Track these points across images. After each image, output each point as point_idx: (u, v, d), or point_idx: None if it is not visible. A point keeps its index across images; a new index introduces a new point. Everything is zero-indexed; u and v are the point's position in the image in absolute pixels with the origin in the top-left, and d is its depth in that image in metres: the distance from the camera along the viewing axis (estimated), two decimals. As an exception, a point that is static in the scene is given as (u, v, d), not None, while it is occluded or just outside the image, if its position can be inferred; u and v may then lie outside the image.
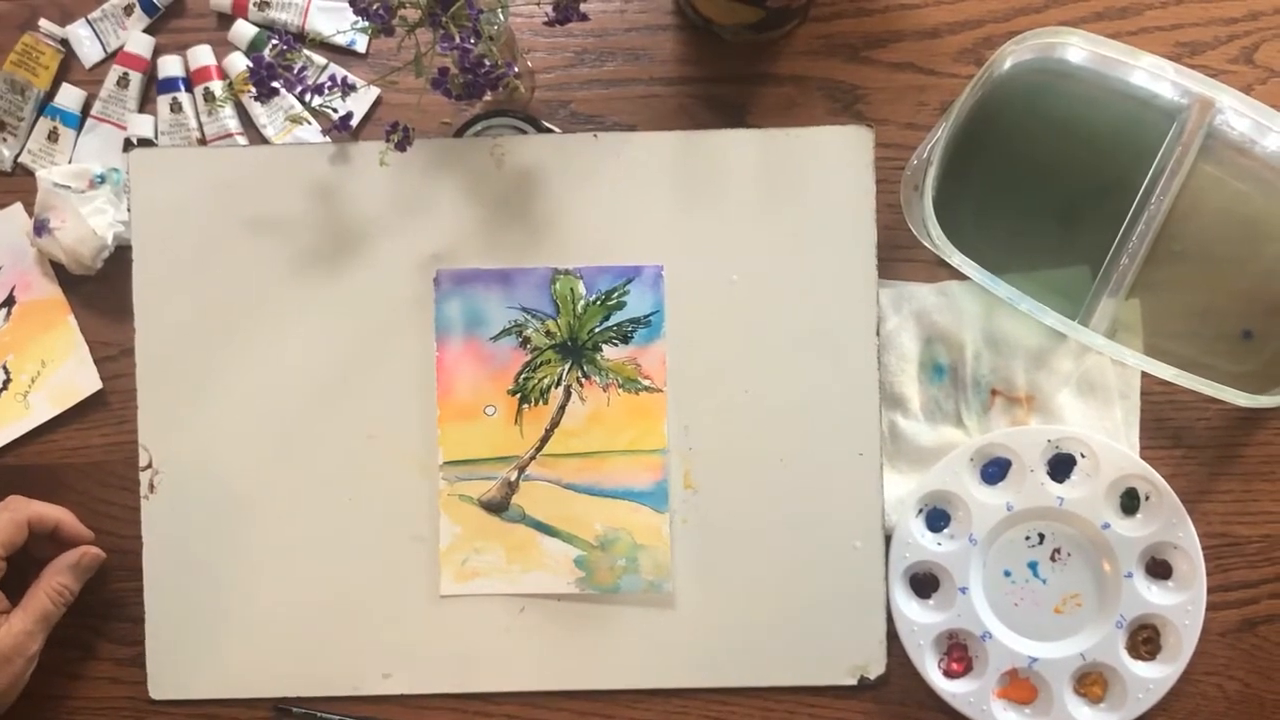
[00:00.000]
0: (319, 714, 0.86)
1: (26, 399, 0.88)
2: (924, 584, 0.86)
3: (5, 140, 0.89)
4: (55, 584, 0.83)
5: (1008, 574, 0.86)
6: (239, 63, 0.88)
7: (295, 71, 0.79)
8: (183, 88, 0.89)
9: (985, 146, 0.84)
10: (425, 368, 0.86)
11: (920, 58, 0.88)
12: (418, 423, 0.86)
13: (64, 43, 0.90)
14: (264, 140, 0.89)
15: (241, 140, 0.89)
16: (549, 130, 0.87)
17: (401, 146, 0.81)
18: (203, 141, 0.89)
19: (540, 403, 0.86)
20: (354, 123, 0.86)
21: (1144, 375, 0.86)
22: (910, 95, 0.88)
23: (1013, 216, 0.85)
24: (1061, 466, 0.85)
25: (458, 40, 0.75)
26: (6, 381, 0.88)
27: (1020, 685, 0.85)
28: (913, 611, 0.85)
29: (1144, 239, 0.83)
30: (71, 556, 0.84)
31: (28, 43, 0.88)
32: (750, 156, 0.85)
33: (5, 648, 0.80)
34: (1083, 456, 0.85)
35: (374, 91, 0.89)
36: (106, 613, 0.87)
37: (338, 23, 0.88)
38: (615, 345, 0.86)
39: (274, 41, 0.79)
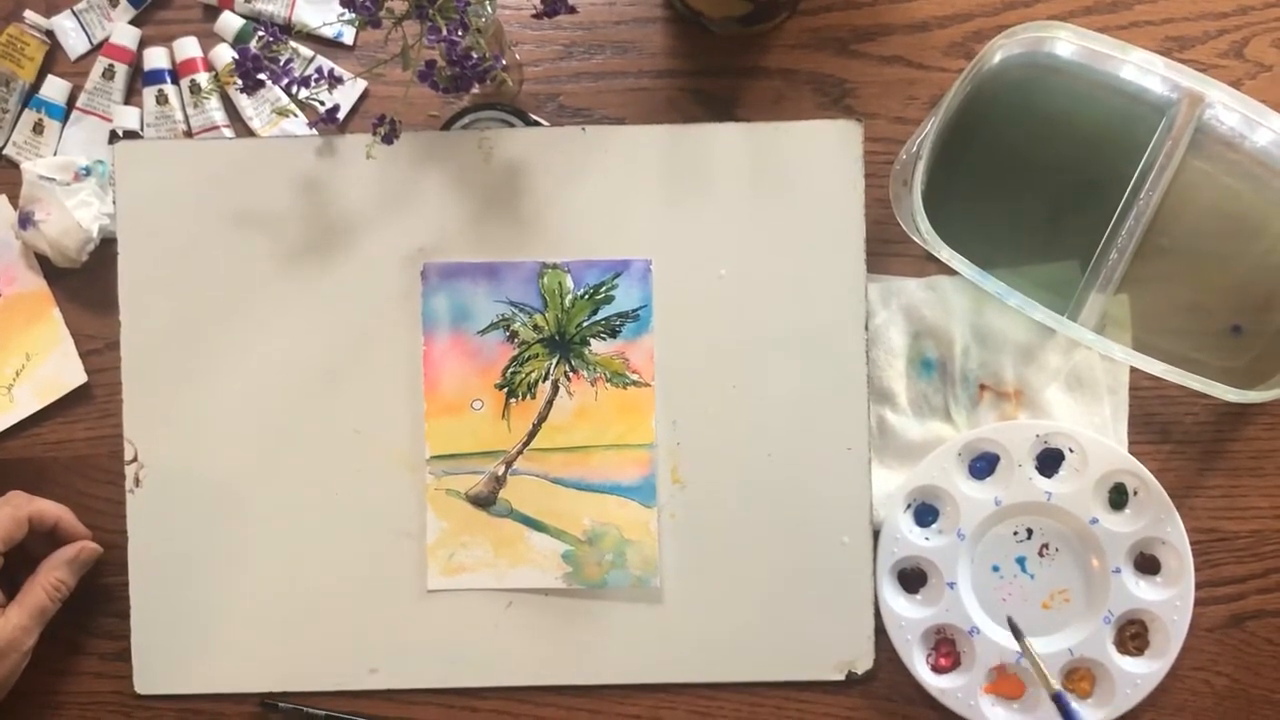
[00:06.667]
0: (305, 709, 0.85)
1: (11, 392, 0.87)
2: (912, 579, 0.86)
3: (-10, 132, 0.89)
4: (52, 579, 0.83)
5: (996, 569, 0.85)
6: (225, 55, 0.88)
7: (281, 64, 0.79)
8: (169, 80, 0.88)
9: (974, 141, 0.84)
10: (412, 361, 0.85)
11: (909, 51, 0.87)
12: (404, 417, 0.85)
13: (49, 34, 0.89)
14: (250, 133, 0.88)
15: (228, 133, 0.88)
16: (537, 123, 0.86)
17: (388, 139, 0.81)
18: (189, 134, 0.88)
19: (528, 397, 0.85)
20: (341, 115, 0.85)
21: (1132, 370, 0.86)
22: (899, 89, 0.87)
23: (1002, 211, 0.85)
24: (1050, 461, 0.85)
25: (445, 32, 0.75)
26: (-9, 375, 0.88)
27: (1008, 680, 0.85)
28: (901, 606, 0.85)
29: (1133, 234, 0.83)
30: (69, 551, 0.84)
31: (12, 34, 0.88)
32: (739, 150, 0.85)
33: (0, 642, 0.80)
34: (1071, 451, 0.85)
35: (361, 84, 0.88)
36: (92, 607, 0.87)
37: (324, 15, 0.88)
38: (603, 339, 0.85)
39: (260, 33, 0.79)
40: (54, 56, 0.89)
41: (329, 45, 0.89)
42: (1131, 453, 0.85)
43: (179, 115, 0.88)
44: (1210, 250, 0.85)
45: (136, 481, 0.86)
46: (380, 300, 0.86)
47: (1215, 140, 0.84)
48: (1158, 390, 0.86)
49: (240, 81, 0.78)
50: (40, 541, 0.84)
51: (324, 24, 0.85)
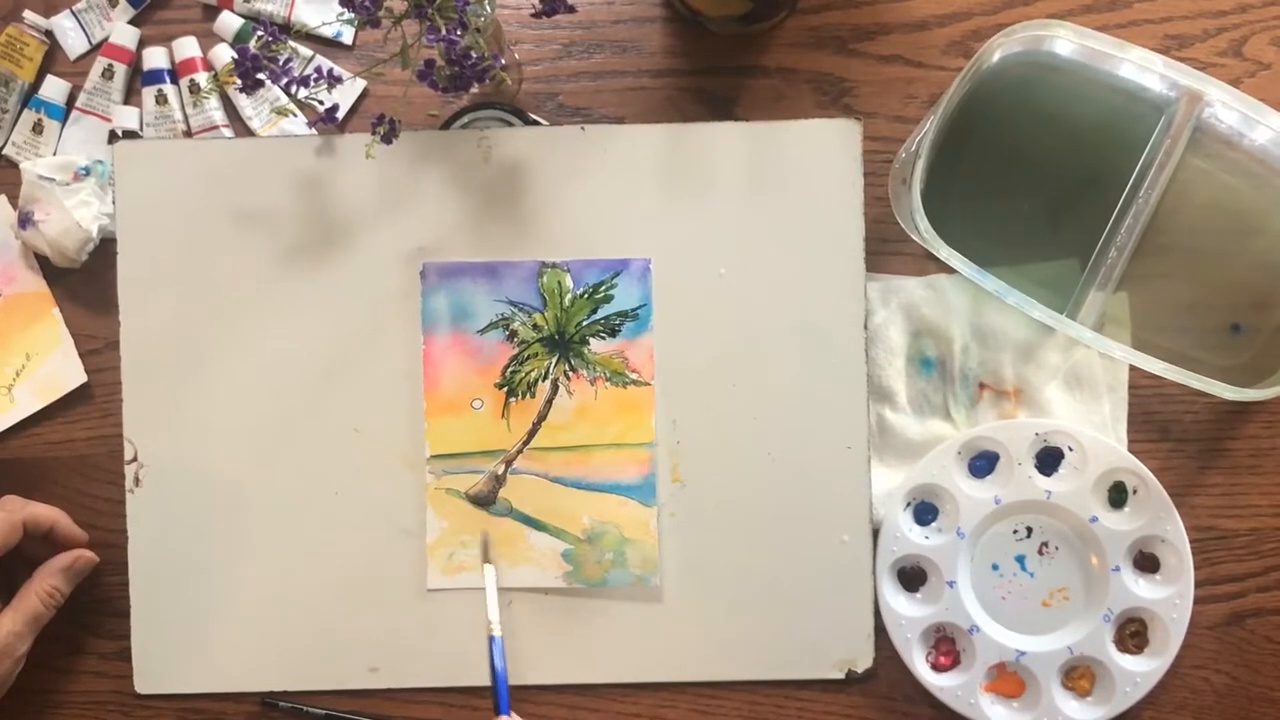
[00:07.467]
0: (305, 708, 0.85)
1: (11, 392, 0.88)
2: (912, 577, 0.86)
3: (-11, 132, 0.89)
4: (47, 586, 0.82)
5: (995, 567, 0.86)
6: (224, 54, 0.88)
7: (281, 63, 0.79)
8: (168, 79, 0.88)
9: (974, 139, 0.84)
10: (412, 361, 0.86)
11: (909, 50, 0.88)
12: (404, 416, 0.85)
13: (48, 34, 0.89)
14: (249, 132, 0.88)
15: (227, 132, 0.88)
16: (536, 123, 0.86)
17: (388, 139, 0.81)
18: (188, 134, 0.88)
19: (527, 396, 0.85)
20: (340, 115, 0.85)
21: (1132, 368, 0.86)
22: (898, 88, 0.87)
23: (1001, 210, 0.85)
24: (1049, 460, 0.85)
25: (444, 32, 0.75)
26: (-9, 375, 0.88)
27: (1008, 679, 0.85)
28: (900, 605, 0.85)
29: (1132, 232, 0.83)
30: (65, 560, 0.84)
31: (12, 34, 0.88)
32: (738, 149, 0.85)
33: None
34: (1070, 450, 0.85)
35: (360, 83, 0.88)
36: (92, 607, 0.87)
37: (323, 14, 0.88)
38: (603, 338, 0.85)
39: (259, 33, 0.79)
40: (53, 56, 0.89)
41: (328, 45, 0.89)
42: (1131, 451, 0.85)
43: (178, 115, 0.88)
44: (1209, 248, 0.85)
45: (136, 481, 0.86)
46: (380, 299, 0.86)
47: (1214, 138, 0.84)
48: (1157, 388, 0.86)
49: (239, 81, 0.78)
50: (37, 544, 0.84)
51: (323, 24, 0.85)
